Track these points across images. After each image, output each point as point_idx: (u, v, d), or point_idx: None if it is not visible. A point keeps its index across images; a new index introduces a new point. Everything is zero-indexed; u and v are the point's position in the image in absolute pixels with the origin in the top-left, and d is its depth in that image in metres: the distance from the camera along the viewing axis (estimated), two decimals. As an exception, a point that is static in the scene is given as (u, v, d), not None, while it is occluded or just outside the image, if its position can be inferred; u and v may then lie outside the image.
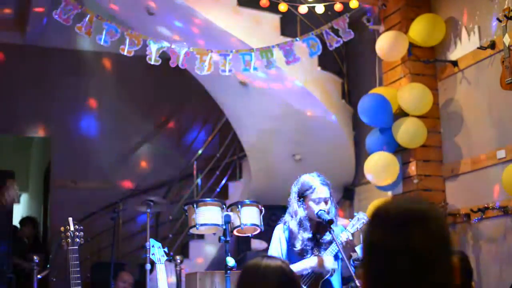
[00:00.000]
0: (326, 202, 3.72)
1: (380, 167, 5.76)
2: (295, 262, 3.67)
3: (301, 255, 3.71)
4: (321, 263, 3.64)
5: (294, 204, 3.78)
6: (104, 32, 5.21)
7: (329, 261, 3.65)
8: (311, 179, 3.78)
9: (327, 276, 3.68)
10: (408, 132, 5.68)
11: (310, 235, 3.72)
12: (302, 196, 3.76)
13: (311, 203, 3.72)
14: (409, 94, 5.72)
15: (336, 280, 3.75)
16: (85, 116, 9.14)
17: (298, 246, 3.71)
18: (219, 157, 8.59)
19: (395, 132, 5.74)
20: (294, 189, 3.82)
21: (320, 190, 3.73)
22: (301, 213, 3.73)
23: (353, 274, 3.60)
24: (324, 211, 3.68)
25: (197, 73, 5.63)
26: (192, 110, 9.59)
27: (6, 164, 8.79)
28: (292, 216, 3.78)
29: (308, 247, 3.70)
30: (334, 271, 3.70)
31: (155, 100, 9.32)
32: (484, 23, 5.41)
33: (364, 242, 1.44)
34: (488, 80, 5.32)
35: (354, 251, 3.83)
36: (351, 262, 3.74)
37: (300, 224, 3.72)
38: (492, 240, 5.24)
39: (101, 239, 8.20)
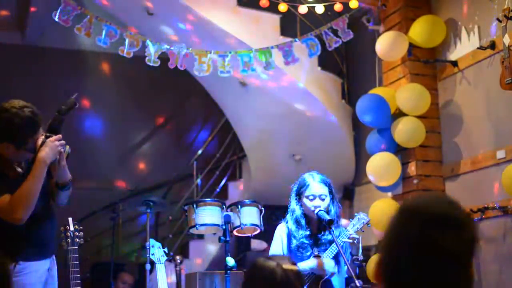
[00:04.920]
0: (322, 199, 3.73)
1: (382, 168, 5.75)
2: (295, 260, 3.67)
3: (300, 252, 3.71)
4: (321, 266, 3.64)
5: (292, 202, 3.84)
6: (103, 33, 5.21)
7: (329, 264, 3.65)
8: (308, 176, 3.83)
9: (327, 276, 3.68)
10: (406, 131, 5.67)
11: (308, 233, 3.73)
12: (299, 194, 3.80)
13: (305, 200, 3.75)
14: (406, 95, 5.71)
15: (336, 280, 3.76)
16: (85, 116, 9.14)
17: (295, 242, 3.72)
18: (219, 157, 8.60)
19: (394, 131, 5.74)
20: (294, 188, 3.87)
21: (314, 187, 3.75)
22: (298, 210, 3.77)
23: (354, 274, 3.60)
24: (324, 210, 3.68)
25: (195, 74, 5.63)
26: (192, 110, 9.59)
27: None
28: (291, 215, 3.81)
29: (305, 245, 3.71)
30: (333, 274, 3.70)
31: (155, 100, 9.32)
32: (484, 23, 5.41)
33: (392, 235, 1.40)
34: (488, 80, 5.32)
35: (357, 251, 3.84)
36: (353, 262, 3.74)
37: (297, 221, 3.74)
38: (492, 240, 5.23)
39: (101, 239, 8.20)
